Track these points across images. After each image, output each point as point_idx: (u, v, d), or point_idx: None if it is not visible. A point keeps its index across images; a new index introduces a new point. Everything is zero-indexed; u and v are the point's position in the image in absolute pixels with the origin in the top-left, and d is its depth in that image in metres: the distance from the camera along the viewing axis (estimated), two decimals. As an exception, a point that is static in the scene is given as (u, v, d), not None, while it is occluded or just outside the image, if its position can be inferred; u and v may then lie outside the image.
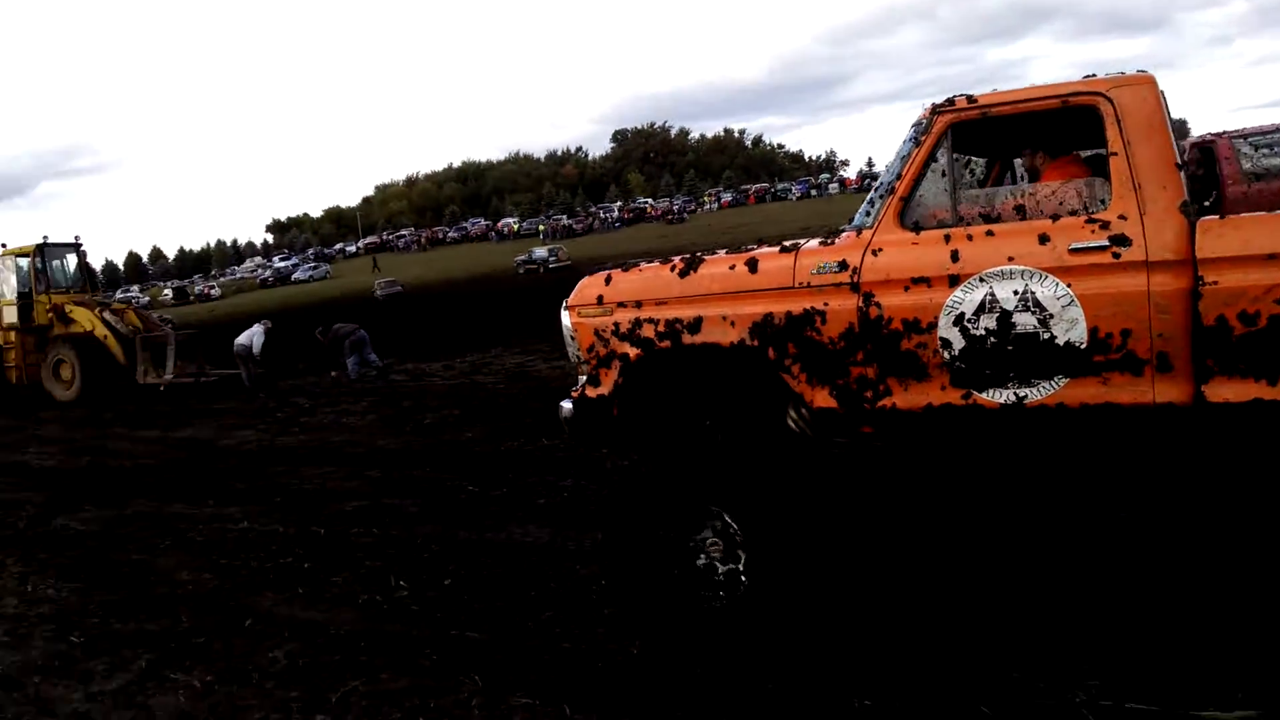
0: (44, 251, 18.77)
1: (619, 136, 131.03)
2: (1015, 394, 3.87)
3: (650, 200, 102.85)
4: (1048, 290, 3.75)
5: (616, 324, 4.60)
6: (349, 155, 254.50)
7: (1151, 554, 4.29)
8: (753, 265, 4.35)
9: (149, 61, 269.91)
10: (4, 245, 19.01)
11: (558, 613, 4.62)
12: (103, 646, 4.83)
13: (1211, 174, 12.38)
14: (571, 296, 4.80)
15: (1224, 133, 12.94)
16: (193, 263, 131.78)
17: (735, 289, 4.36)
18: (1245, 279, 3.47)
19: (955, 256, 3.93)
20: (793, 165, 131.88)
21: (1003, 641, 3.86)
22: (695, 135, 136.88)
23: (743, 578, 4.14)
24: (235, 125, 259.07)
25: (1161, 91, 3.89)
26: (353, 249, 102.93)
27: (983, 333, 3.87)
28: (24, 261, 18.56)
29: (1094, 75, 3.95)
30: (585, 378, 4.77)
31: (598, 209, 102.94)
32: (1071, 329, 3.73)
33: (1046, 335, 3.76)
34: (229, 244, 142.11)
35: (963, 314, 3.89)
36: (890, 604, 4.30)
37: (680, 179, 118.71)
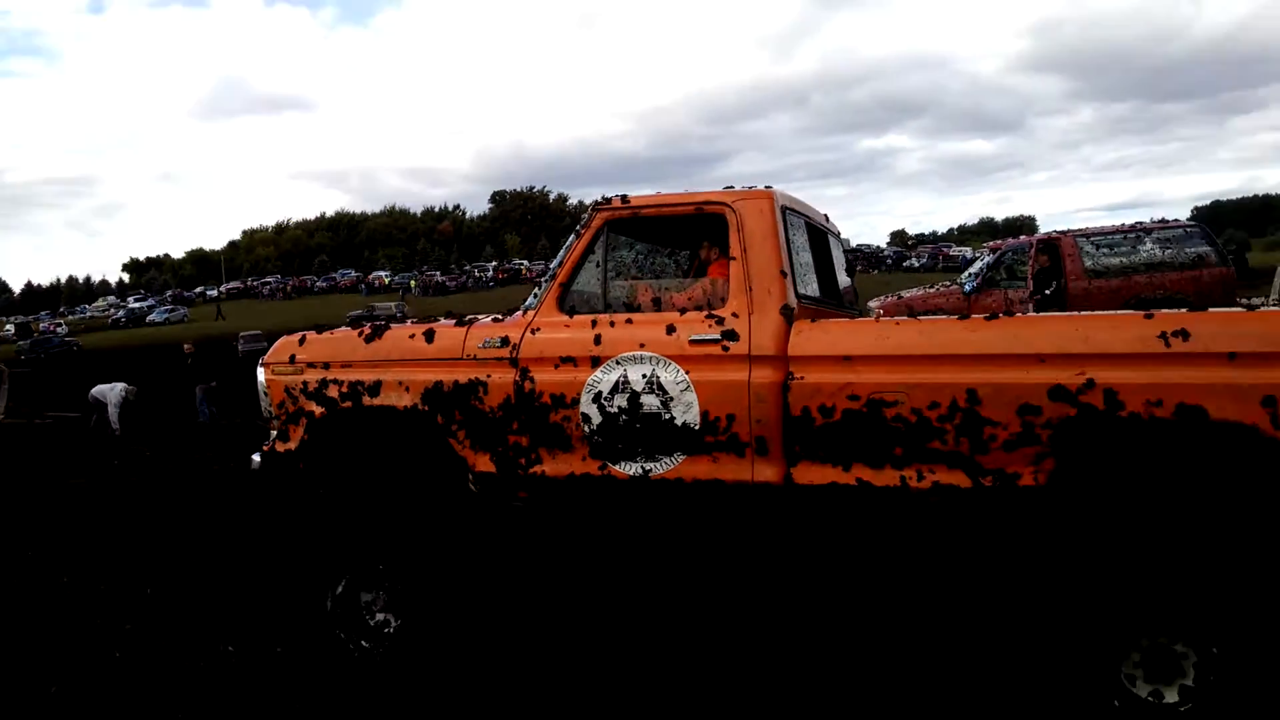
0: None
1: (497, 197, 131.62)
2: (643, 467, 4.25)
3: (525, 262, 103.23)
4: (670, 375, 4.17)
5: (305, 383, 4.83)
6: (217, 199, 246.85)
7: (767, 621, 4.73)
8: (429, 335, 4.66)
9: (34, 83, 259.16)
10: None
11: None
12: None
13: (1057, 267, 13.59)
14: (268, 354, 5.01)
15: (1068, 231, 14.18)
16: (40, 298, 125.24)
17: (413, 356, 4.66)
18: (825, 376, 3.95)
19: (598, 340, 4.33)
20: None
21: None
22: (574, 200, 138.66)
23: (392, 627, 4.42)
24: (97, 160, 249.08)
25: (784, 206, 4.41)
26: (214, 293, 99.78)
27: (616, 410, 4.25)
28: None
29: (732, 187, 4.45)
30: (275, 433, 4.97)
31: (472, 267, 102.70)
32: (688, 411, 4.14)
33: (667, 416, 4.17)
34: (80, 281, 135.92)
35: (600, 392, 4.28)
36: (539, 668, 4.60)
37: (557, 242, 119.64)
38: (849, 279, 5.52)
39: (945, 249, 73.88)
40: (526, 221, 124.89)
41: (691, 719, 4.00)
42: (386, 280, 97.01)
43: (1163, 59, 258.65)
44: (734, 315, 4.18)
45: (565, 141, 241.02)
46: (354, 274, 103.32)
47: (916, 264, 67.47)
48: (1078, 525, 3.64)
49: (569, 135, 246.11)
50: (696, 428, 4.13)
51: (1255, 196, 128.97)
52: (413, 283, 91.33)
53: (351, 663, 4.51)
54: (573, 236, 4.58)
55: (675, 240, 5.23)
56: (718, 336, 4.15)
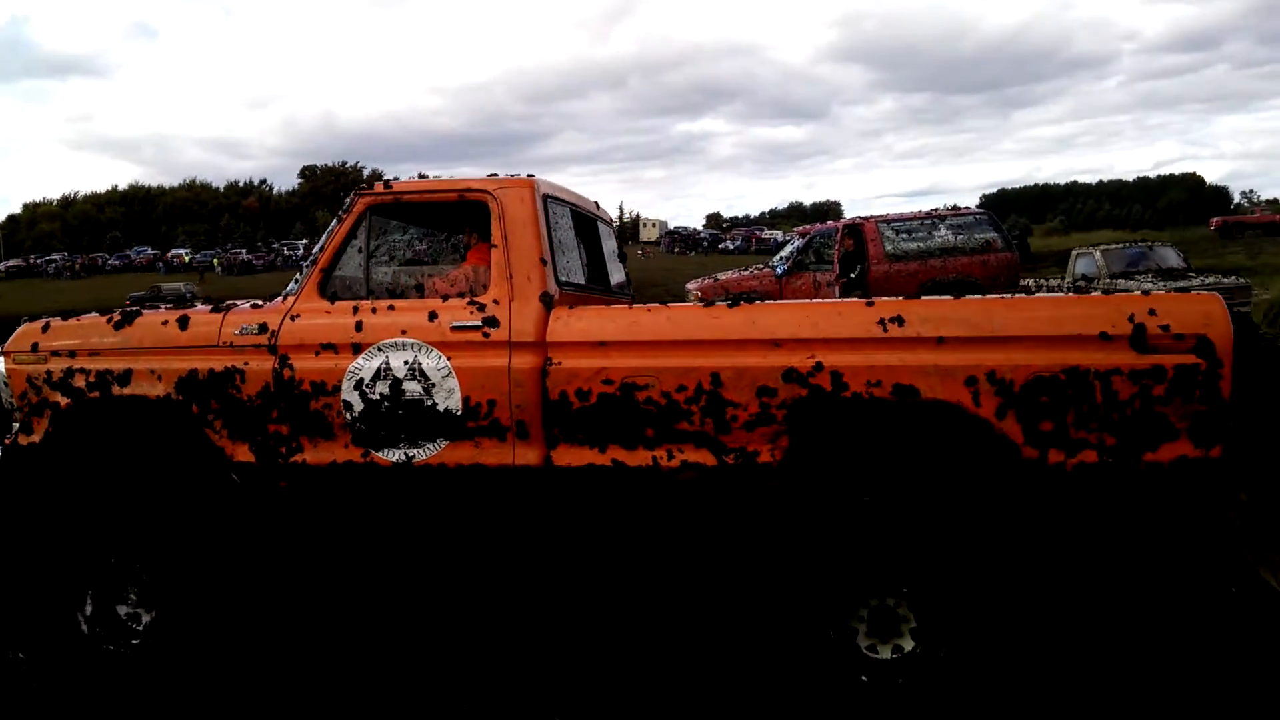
0: None
1: (307, 172, 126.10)
2: (405, 454, 4.26)
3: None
4: (432, 362, 4.20)
5: (49, 372, 4.58)
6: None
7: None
8: (184, 322, 4.51)
9: None
10: None
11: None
12: None
13: (861, 251, 14.18)
14: (9, 342, 4.73)
15: (871, 216, 14.84)
16: None
17: (166, 344, 4.49)
18: (581, 362, 4.07)
19: (360, 326, 4.30)
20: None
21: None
22: (389, 177, 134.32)
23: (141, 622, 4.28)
24: None
25: (546, 195, 4.50)
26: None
27: (378, 397, 4.24)
28: None
29: (495, 174, 4.49)
30: (18, 425, 4.69)
31: (281, 245, 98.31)
32: (450, 397, 4.18)
33: (430, 402, 4.19)
34: None
35: (362, 379, 4.25)
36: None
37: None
38: (621, 265, 5.68)
39: (758, 232, 75.88)
40: (339, 198, 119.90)
41: (448, 702, 4.08)
42: (187, 258, 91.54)
43: (955, 54, 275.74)
44: (495, 302, 4.24)
45: (378, 115, 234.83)
46: (151, 251, 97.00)
47: (731, 246, 69.02)
48: (804, 499, 3.90)
49: (382, 109, 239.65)
50: (459, 413, 4.18)
51: (1035, 185, 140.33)
52: (216, 261, 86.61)
53: (125, 662, 4.35)
54: (335, 221, 4.53)
55: (441, 226, 5.23)
56: (479, 323, 4.20)
